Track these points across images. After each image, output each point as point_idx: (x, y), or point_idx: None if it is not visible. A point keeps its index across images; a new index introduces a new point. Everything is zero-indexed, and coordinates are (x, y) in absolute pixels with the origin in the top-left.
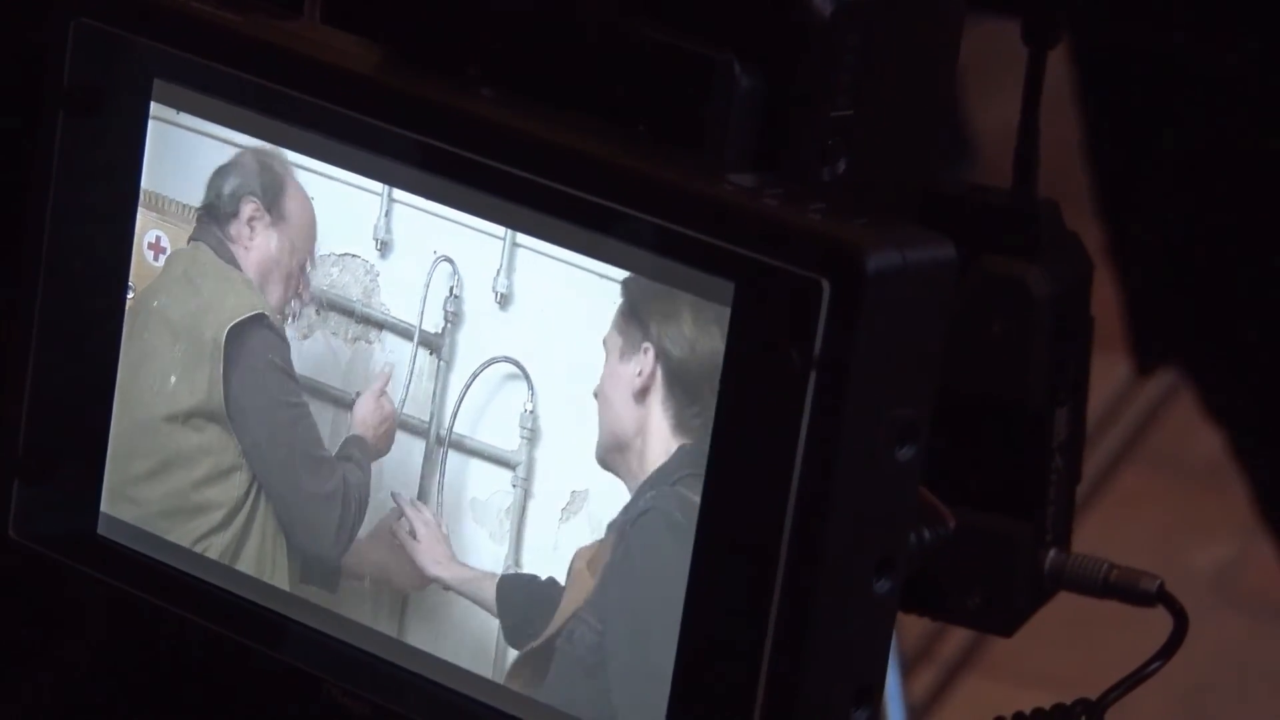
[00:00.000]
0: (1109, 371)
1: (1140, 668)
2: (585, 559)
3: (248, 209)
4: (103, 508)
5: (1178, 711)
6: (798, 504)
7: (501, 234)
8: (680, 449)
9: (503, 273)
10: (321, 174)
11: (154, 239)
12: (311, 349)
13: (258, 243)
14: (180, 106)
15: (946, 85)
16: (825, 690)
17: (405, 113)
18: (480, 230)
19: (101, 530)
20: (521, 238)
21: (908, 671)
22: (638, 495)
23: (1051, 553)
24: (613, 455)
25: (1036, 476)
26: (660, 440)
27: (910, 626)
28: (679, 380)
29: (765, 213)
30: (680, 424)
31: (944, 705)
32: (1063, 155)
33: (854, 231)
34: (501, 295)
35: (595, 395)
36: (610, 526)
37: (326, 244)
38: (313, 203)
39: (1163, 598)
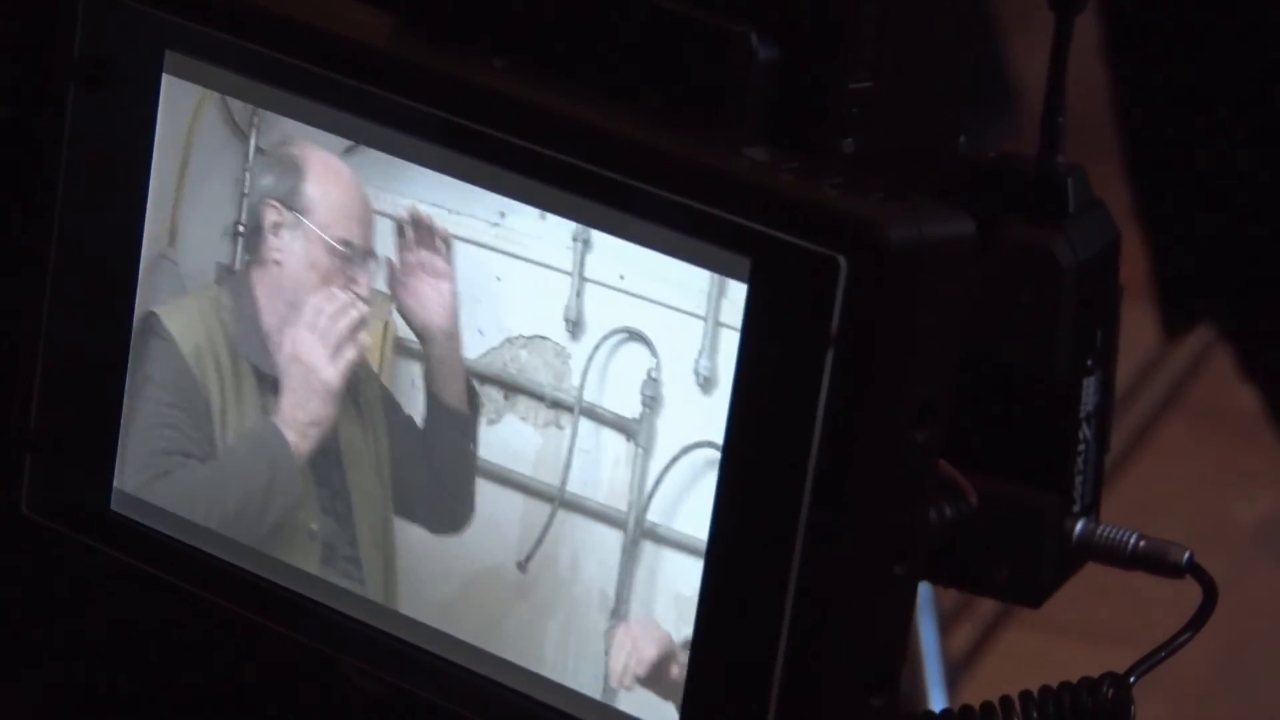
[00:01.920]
0: (1149, 324)
1: (1169, 640)
2: None
3: (269, 216)
4: (116, 483)
5: (1214, 668)
6: (815, 485)
7: (703, 313)
8: None
9: (705, 354)
10: (512, 254)
11: None
12: (500, 434)
13: (285, 250)
14: (192, 79)
15: (974, 50)
16: (842, 675)
17: (417, 85)
18: (680, 310)
19: (115, 506)
20: (725, 316)
21: (946, 627)
22: None
23: (1080, 523)
24: None
25: (1064, 446)
26: None
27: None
28: None
29: (782, 187)
30: None
31: (983, 659)
32: (1092, 109)
33: (872, 207)
34: (704, 378)
35: None
36: None
37: (515, 326)
38: (353, 176)
39: (1192, 569)
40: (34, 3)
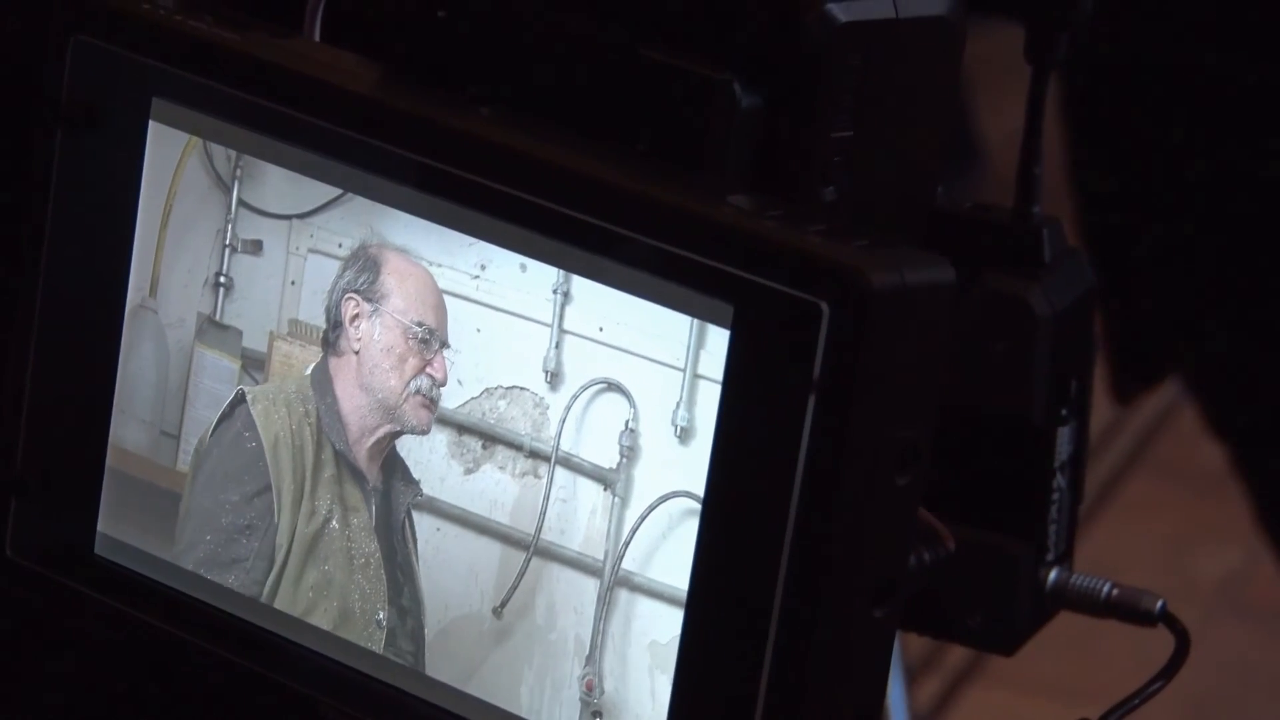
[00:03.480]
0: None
1: (1141, 688)
2: None
3: (349, 309)
4: (100, 527)
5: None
6: (796, 529)
7: (681, 365)
8: None
9: (683, 405)
10: (492, 306)
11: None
12: (478, 484)
13: (363, 338)
14: (179, 125)
15: (949, 101)
16: (823, 718)
17: (403, 131)
18: (658, 361)
19: (99, 550)
20: (703, 368)
21: (912, 680)
22: None
23: (1053, 572)
24: None
25: (1038, 495)
26: None
27: (914, 635)
28: None
29: (764, 234)
30: None
31: (948, 715)
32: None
33: (854, 254)
34: (681, 429)
35: None
36: None
37: (494, 376)
38: (429, 272)
39: (1164, 618)
40: (21, 47)
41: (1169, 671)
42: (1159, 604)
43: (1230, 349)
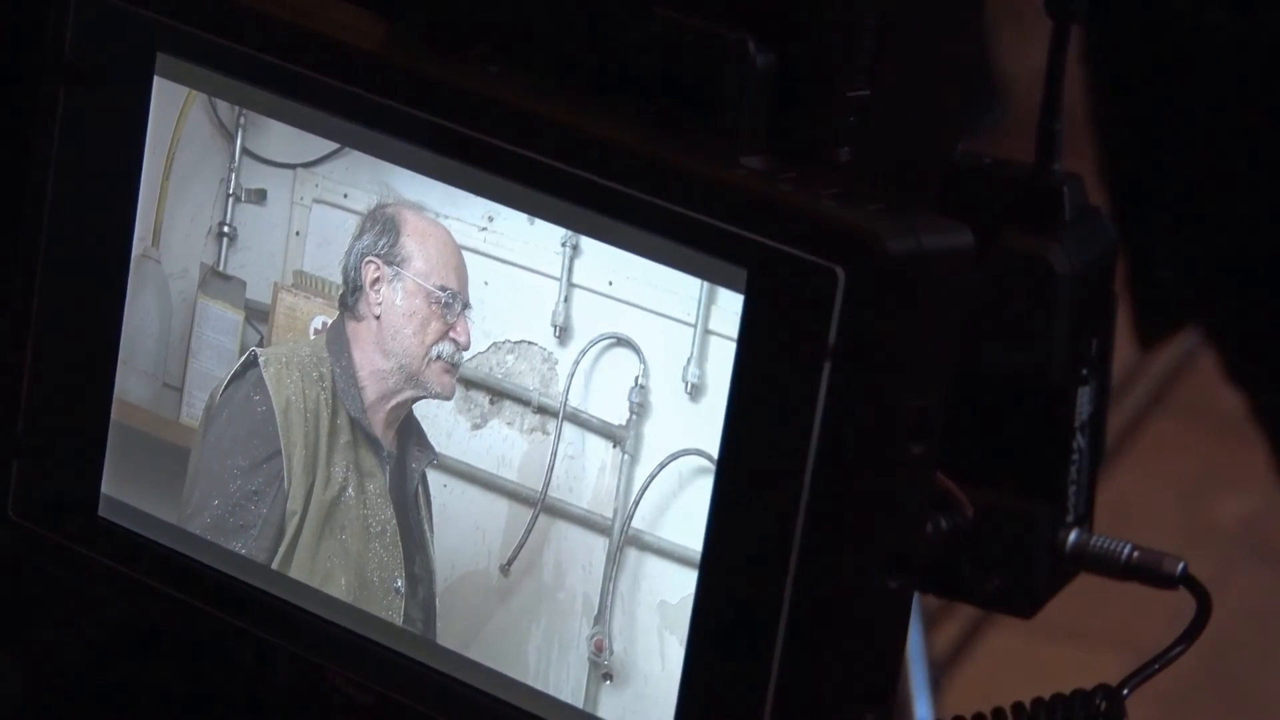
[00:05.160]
0: (1132, 326)
1: (1163, 652)
2: None
3: (369, 273)
4: (104, 489)
5: (1202, 669)
6: (810, 498)
7: (692, 320)
8: None
9: (694, 362)
10: (500, 259)
11: (319, 324)
12: (485, 440)
13: (384, 303)
14: (184, 81)
15: (969, 57)
16: (837, 689)
17: (410, 89)
18: (669, 317)
19: (102, 512)
20: (715, 324)
21: (929, 627)
22: None
23: (1073, 533)
24: None
25: (1058, 456)
26: None
27: None
28: None
29: (781, 198)
30: None
31: (967, 660)
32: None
33: (870, 219)
34: (693, 386)
35: None
36: None
37: (502, 330)
38: (449, 230)
39: (1186, 580)
40: (23, 2)
41: (1191, 634)
42: (1180, 566)
43: (1249, 299)
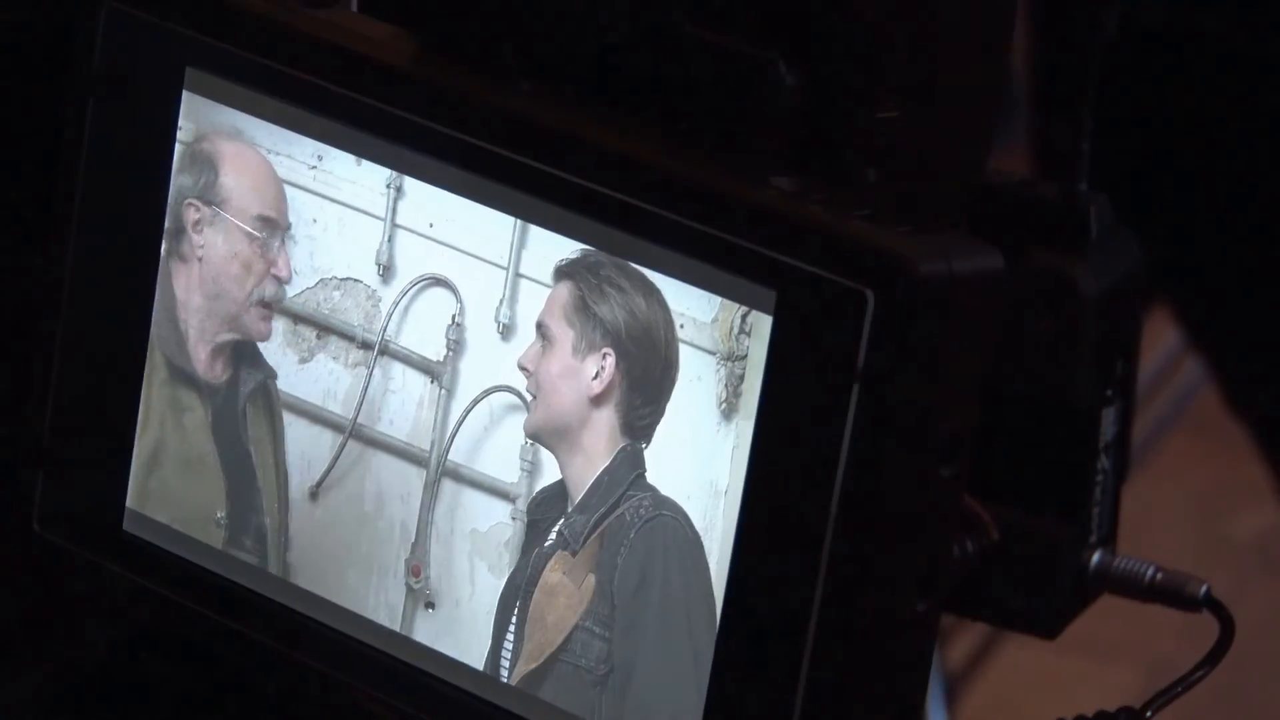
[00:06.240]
0: (1156, 337)
1: (1185, 675)
2: (561, 568)
3: (190, 215)
4: (128, 503)
5: (1217, 684)
6: (838, 522)
7: (505, 263)
8: (622, 450)
9: (505, 303)
10: (328, 197)
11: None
12: (312, 373)
13: (206, 244)
14: (212, 96)
15: (999, 77)
16: (864, 712)
17: (440, 107)
18: (484, 259)
19: (127, 526)
20: (525, 267)
21: (944, 639)
22: (597, 496)
23: (1096, 554)
24: (549, 435)
25: (1082, 477)
26: (605, 440)
27: None
28: (639, 386)
29: (811, 219)
30: (628, 426)
31: (981, 673)
32: None
33: (901, 241)
34: (504, 326)
35: (523, 367)
36: (577, 532)
37: (329, 267)
38: (267, 160)
39: (1209, 603)
40: (54, 14)
41: (1215, 657)
42: (1204, 589)
43: (1249, 326)
